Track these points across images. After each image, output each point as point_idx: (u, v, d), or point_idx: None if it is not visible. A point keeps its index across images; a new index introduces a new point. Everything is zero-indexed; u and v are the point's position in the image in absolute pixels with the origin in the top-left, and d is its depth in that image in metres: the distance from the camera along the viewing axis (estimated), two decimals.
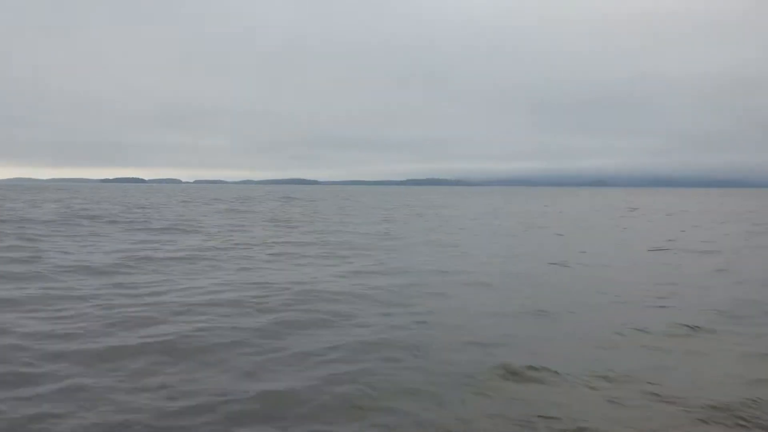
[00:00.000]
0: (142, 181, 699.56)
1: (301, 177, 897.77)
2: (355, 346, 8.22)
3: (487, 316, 10.21)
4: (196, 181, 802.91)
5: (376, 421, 5.92)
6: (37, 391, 6.52)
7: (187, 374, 7.14)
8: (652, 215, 43.76)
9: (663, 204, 70.71)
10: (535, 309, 10.56)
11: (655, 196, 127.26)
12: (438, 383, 6.87)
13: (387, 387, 6.76)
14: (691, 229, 30.07)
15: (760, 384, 6.89)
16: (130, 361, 7.51)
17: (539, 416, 6.00)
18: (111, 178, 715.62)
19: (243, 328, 9.01)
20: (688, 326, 9.35)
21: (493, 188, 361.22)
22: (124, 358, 7.62)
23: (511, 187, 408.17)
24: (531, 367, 7.29)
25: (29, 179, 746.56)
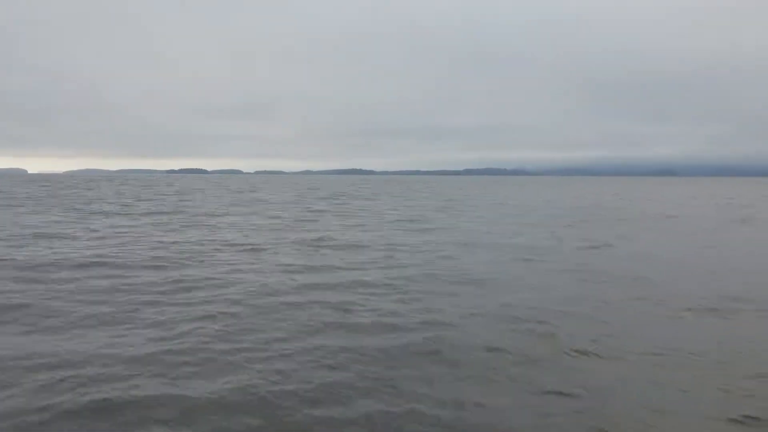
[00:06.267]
0: (205, 172, 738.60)
1: (358, 167, 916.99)
2: None
3: None
4: (256, 172, 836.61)
5: None
6: None
7: None
8: None
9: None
10: None
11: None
12: None
13: None
14: None
15: None
16: None
17: None
18: (176, 169, 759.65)
19: None
20: None
21: (558, 178, 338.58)
22: None
23: (574, 177, 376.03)
24: None
25: (98, 170, 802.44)
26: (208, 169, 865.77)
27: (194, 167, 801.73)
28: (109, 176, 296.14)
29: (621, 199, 54.65)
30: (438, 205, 42.02)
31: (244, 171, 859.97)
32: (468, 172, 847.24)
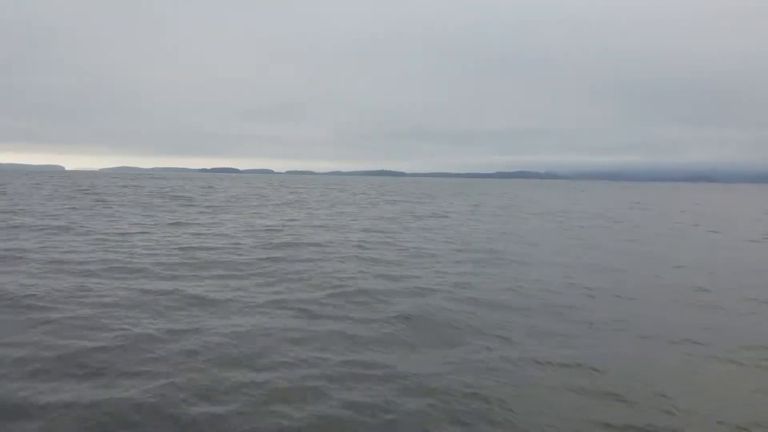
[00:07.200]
0: (237, 171, 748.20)
1: (388, 169, 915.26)
2: None
3: None
4: (287, 172, 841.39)
5: None
6: None
7: None
8: None
9: None
10: None
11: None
12: None
13: None
14: None
15: None
16: None
17: None
18: (209, 168, 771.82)
19: None
20: None
21: (589, 183, 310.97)
22: None
23: (606, 182, 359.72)
24: None
25: (133, 168, 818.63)
26: (240, 168, 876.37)
27: (226, 166, 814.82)
28: (144, 174, 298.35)
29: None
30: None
31: (275, 171, 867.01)
32: (500, 175, 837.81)
